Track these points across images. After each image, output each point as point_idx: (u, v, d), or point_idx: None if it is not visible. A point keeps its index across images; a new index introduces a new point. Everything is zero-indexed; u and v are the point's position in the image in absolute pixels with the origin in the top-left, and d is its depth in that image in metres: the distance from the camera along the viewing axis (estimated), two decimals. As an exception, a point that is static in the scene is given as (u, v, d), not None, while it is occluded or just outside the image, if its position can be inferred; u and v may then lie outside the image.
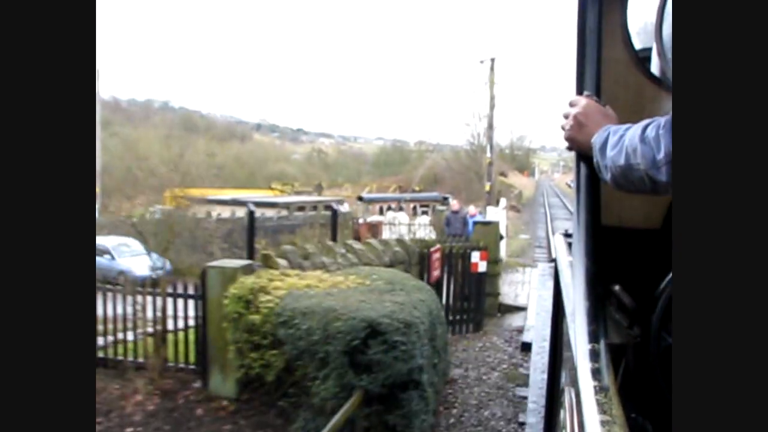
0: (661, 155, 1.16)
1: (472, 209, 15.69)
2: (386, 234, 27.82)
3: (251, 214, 9.39)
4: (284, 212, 19.78)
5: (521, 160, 72.24)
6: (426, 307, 6.67)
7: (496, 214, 14.50)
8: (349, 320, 5.72)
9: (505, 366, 8.72)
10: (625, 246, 1.94)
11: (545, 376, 3.61)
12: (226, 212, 22.40)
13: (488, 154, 26.70)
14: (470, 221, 15.04)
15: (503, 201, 16.18)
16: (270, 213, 20.17)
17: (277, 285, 7.11)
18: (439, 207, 19.83)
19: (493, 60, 26.99)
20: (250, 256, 8.89)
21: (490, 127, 27.32)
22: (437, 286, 9.68)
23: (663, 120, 1.17)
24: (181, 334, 8.51)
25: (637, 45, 2.04)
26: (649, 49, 1.95)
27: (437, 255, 9.31)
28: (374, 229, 25.67)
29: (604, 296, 1.45)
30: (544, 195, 54.13)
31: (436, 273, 9.28)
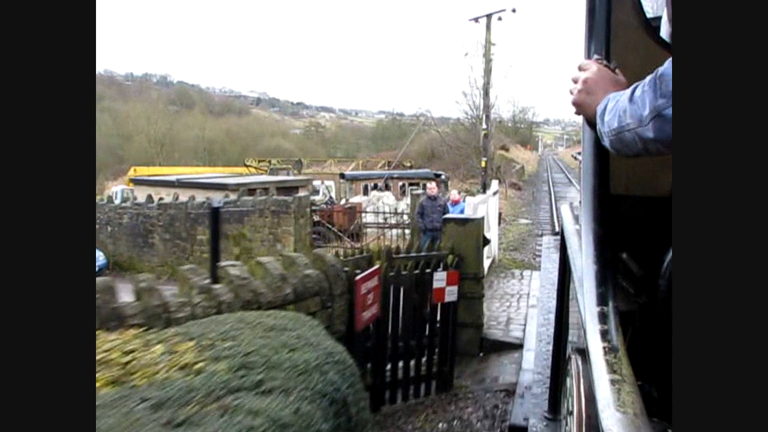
0: (646, 112, 1.15)
1: (454, 194, 11.70)
2: (369, 218, 24.02)
3: None
4: (233, 196, 15.95)
5: (524, 134, 68.06)
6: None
7: (482, 203, 10.36)
8: None
9: (479, 482, 4.94)
10: (632, 214, 1.89)
11: (551, 346, 3.60)
12: (177, 196, 18.59)
13: (484, 125, 22.70)
14: (453, 210, 11.18)
15: (494, 184, 12.06)
16: (219, 196, 16.33)
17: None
18: (416, 190, 15.74)
19: (489, 17, 22.79)
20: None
21: (486, 94, 23.23)
22: (377, 327, 5.89)
23: (647, 79, 1.17)
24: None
25: (648, 13, 2.02)
26: (660, 18, 1.94)
27: (370, 284, 5.49)
28: (350, 213, 21.81)
29: (612, 262, 1.43)
30: (548, 170, 50.00)
31: (367, 314, 5.48)
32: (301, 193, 18.77)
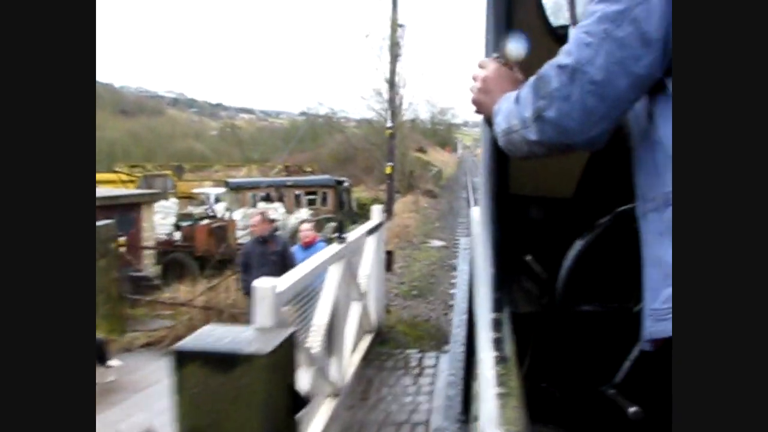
0: (528, 113, 1.07)
1: (305, 231, 6.61)
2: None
3: None
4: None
5: (443, 135, 63.90)
6: None
7: (337, 276, 4.90)
8: None
9: None
10: (537, 215, 1.83)
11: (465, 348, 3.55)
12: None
13: (389, 123, 17.83)
14: (303, 258, 6.10)
15: (376, 212, 7.25)
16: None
17: None
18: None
19: (394, -9, 17.95)
20: None
21: (392, 86, 18.40)
22: None
23: (530, 79, 1.09)
24: None
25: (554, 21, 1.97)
26: (567, 27, 1.70)
27: None
28: (219, 234, 16.52)
29: (513, 265, 1.36)
30: (468, 173, 45.94)
31: None
32: (143, 215, 13.30)
